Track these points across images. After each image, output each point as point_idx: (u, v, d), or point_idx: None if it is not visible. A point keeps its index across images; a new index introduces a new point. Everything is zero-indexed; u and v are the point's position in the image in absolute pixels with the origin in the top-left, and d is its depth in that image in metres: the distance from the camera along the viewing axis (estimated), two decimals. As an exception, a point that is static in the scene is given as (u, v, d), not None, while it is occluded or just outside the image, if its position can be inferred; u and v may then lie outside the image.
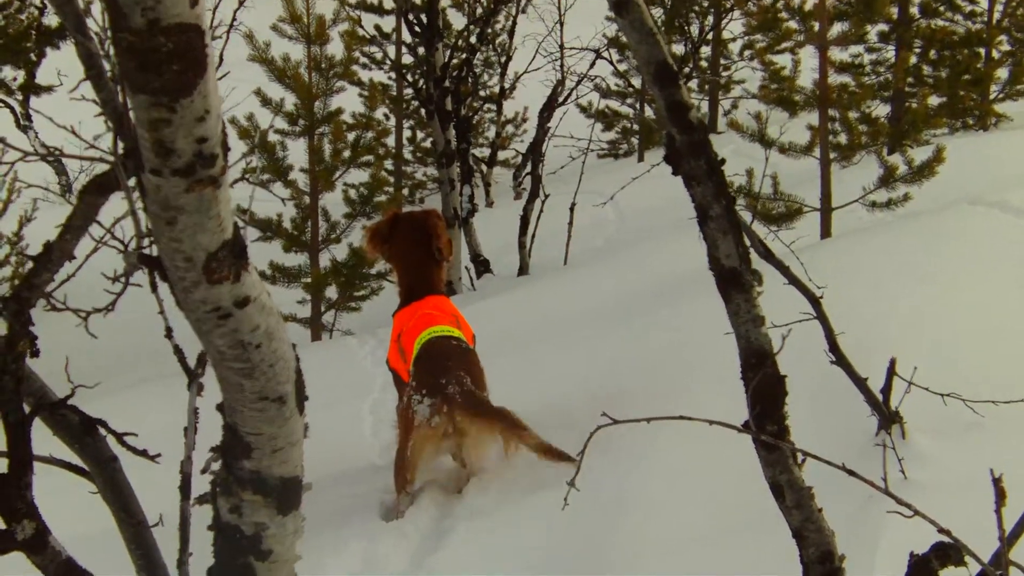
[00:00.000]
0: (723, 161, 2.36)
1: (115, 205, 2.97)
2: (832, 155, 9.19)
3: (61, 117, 5.66)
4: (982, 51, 16.43)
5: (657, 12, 22.59)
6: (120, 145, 2.80)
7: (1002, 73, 16.97)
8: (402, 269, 6.11)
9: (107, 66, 2.89)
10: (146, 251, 2.49)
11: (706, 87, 24.43)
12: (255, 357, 1.88)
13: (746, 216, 8.57)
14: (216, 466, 2.15)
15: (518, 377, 6.66)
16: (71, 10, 2.75)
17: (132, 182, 2.71)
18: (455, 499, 5.30)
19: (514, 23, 20.45)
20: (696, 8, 23.61)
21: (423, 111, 15.73)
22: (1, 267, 16.68)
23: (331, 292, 13.03)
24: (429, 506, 5.24)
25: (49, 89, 13.70)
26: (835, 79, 9.84)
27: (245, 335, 1.84)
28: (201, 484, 2.54)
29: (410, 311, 5.88)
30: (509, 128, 24.27)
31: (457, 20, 21.57)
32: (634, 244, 12.23)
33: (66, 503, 3.26)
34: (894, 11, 14.80)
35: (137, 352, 11.94)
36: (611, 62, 17.42)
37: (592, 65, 15.37)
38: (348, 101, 14.10)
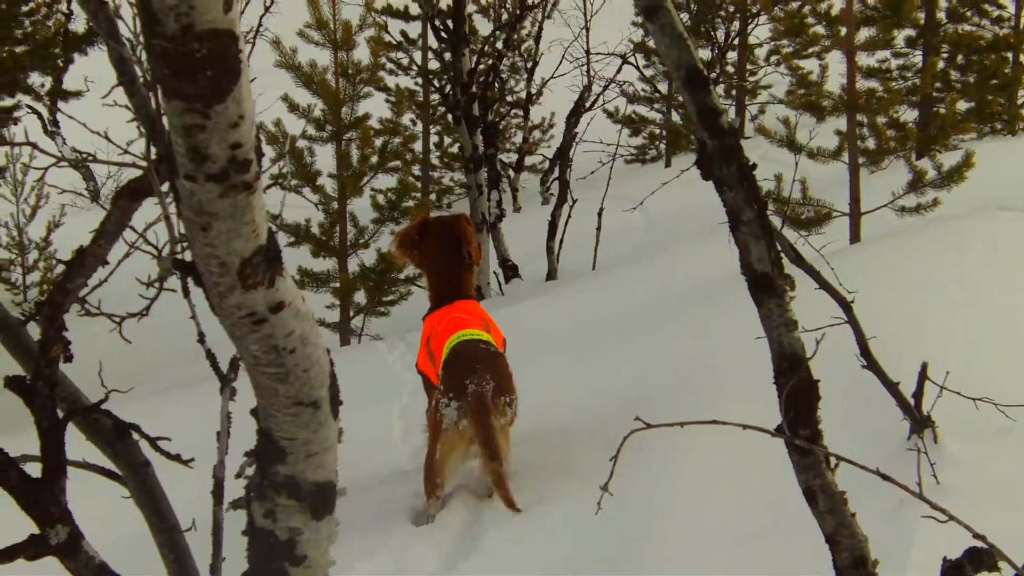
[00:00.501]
0: (754, 166, 2.36)
1: (148, 210, 2.99)
2: (860, 160, 9.16)
3: (88, 123, 5.69)
4: (1010, 56, 16.35)
5: (683, 17, 22.58)
6: (153, 150, 2.81)
7: (1030, 78, 16.92)
8: (432, 274, 6.12)
9: (139, 72, 2.90)
10: (179, 256, 2.50)
11: (733, 92, 24.38)
12: (289, 362, 1.88)
13: (776, 221, 8.56)
14: (250, 471, 2.15)
15: (547, 382, 6.66)
16: (104, 16, 2.76)
17: (165, 187, 2.72)
18: (485, 503, 5.29)
19: (540, 28, 20.46)
20: (722, 13, 23.62)
21: (450, 116, 15.74)
22: (30, 272, 16.78)
23: (359, 297, 13.05)
24: (459, 510, 5.24)
25: (77, 95, 13.74)
26: (863, 84, 9.79)
27: (279, 340, 1.84)
28: (234, 489, 2.55)
29: (440, 315, 5.88)
30: (536, 133, 24.30)
31: (483, 26, 21.63)
32: (662, 249, 12.22)
33: (99, 507, 3.27)
34: (921, 16, 14.73)
35: (170, 356, 11.97)
36: (637, 67, 17.38)
37: (619, 70, 15.36)
38: (375, 107, 14.12)
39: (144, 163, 2.90)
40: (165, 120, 1.59)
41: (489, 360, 5.49)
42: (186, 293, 2.78)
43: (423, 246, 6.08)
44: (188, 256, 1.86)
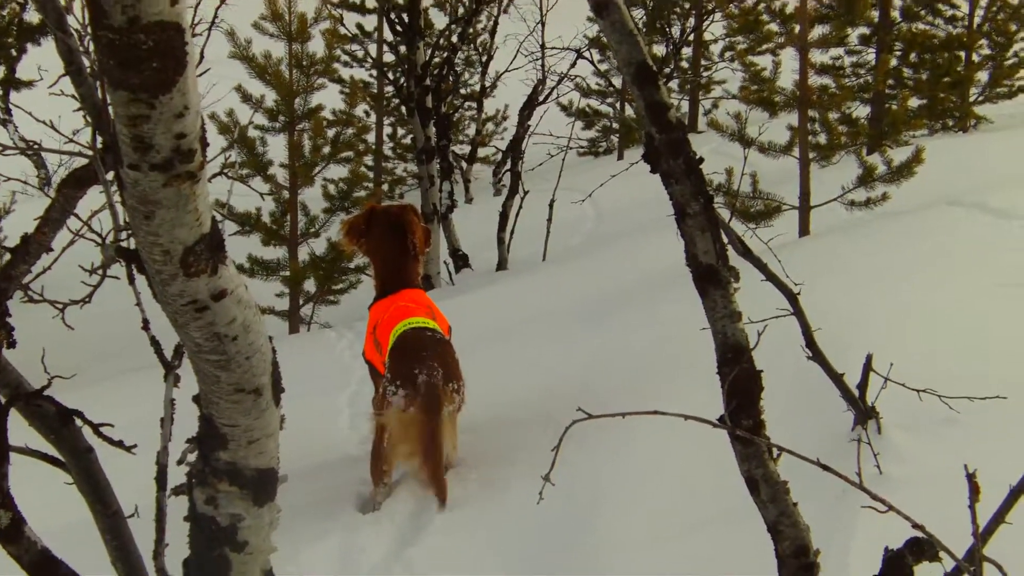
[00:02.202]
0: (701, 160, 2.38)
1: (93, 198, 2.98)
2: (811, 155, 9.21)
3: (41, 112, 5.66)
4: (962, 54, 16.48)
5: (639, 13, 22.65)
6: (99, 140, 2.80)
7: (982, 76, 17.07)
8: (378, 262, 6.18)
9: (87, 62, 2.90)
10: (123, 244, 2.49)
11: (687, 87, 24.45)
12: (231, 349, 1.89)
13: (725, 214, 8.61)
14: (192, 457, 2.15)
15: (496, 372, 6.68)
16: (52, 7, 2.76)
17: (110, 176, 2.71)
18: (432, 492, 5.30)
19: (496, 23, 20.47)
20: (678, 10, 23.67)
21: (403, 108, 15.72)
22: (-21, 259, 16.62)
23: (309, 285, 13.03)
24: (407, 498, 5.24)
25: (29, 84, 13.66)
26: (815, 80, 9.82)
27: (221, 328, 1.85)
28: (177, 475, 2.54)
29: (386, 304, 5.91)
30: (489, 126, 24.31)
31: (439, 19, 21.58)
32: (613, 241, 12.25)
33: (41, 494, 3.26)
34: (875, 14, 14.82)
35: (114, 343, 11.88)
36: (592, 62, 17.39)
37: (573, 65, 15.37)
38: (329, 98, 14.08)
39: (90, 152, 2.89)
40: (111, 110, 1.59)
41: (435, 347, 5.49)
42: (131, 280, 2.78)
43: (370, 234, 6.13)
44: (132, 244, 1.86)
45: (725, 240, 2.46)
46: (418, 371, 5.28)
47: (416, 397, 5.22)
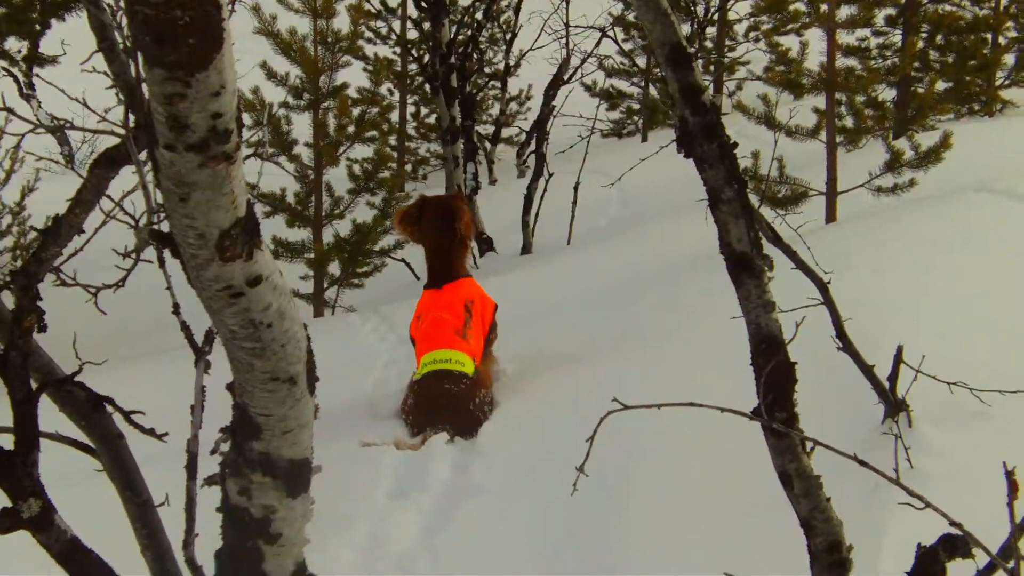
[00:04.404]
0: (735, 144, 2.35)
1: (125, 179, 2.96)
2: (838, 139, 9.16)
3: (64, 87, 5.65)
4: (989, 37, 16.36)
5: (663, -10, 22.52)
6: (132, 118, 2.78)
7: (1008, 59, 16.93)
8: (428, 251, 6.64)
9: (119, 38, 2.87)
10: (157, 227, 2.47)
11: (711, 68, 24.34)
12: (266, 337, 1.87)
13: (754, 200, 8.56)
14: (225, 447, 2.13)
15: (521, 358, 6.68)
16: (84, -19, 2.73)
17: (143, 156, 2.69)
18: (460, 476, 5.30)
19: (520, 0, 20.41)
20: (703, -12, 23.58)
21: (428, 87, 15.68)
22: (3, 237, 16.65)
23: (334, 268, 12.99)
24: (433, 484, 5.23)
25: (53, 60, 13.64)
26: (842, 62, 9.80)
27: (256, 314, 1.83)
28: (208, 463, 2.53)
29: (429, 301, 6.44)
30: (513, 106, 24.26)
31: (463, -4, 21.54)
32: (638, 224, 12.22)
33: (72, 480, 3.25)
34: (902, -6, 14.76)
35: (141, 323, 11.89)
36: (616, 41, 17.31)
37: (597, 44, 15.29)
38: (353, 76, 14.02)
39: (122, 131, 2.87)
40: (145, 88, 1.57)
41: (449, 406, 5.93)
42: (161, 264, 2.76)
43: (422, 223, 6.61)
44: (166, 227, 1.84)
45: (757, 227, 2.43)
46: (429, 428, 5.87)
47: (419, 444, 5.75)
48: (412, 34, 21.41)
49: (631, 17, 21.94)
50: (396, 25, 22.11)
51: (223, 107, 1.58)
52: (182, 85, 1.53)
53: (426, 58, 14.08)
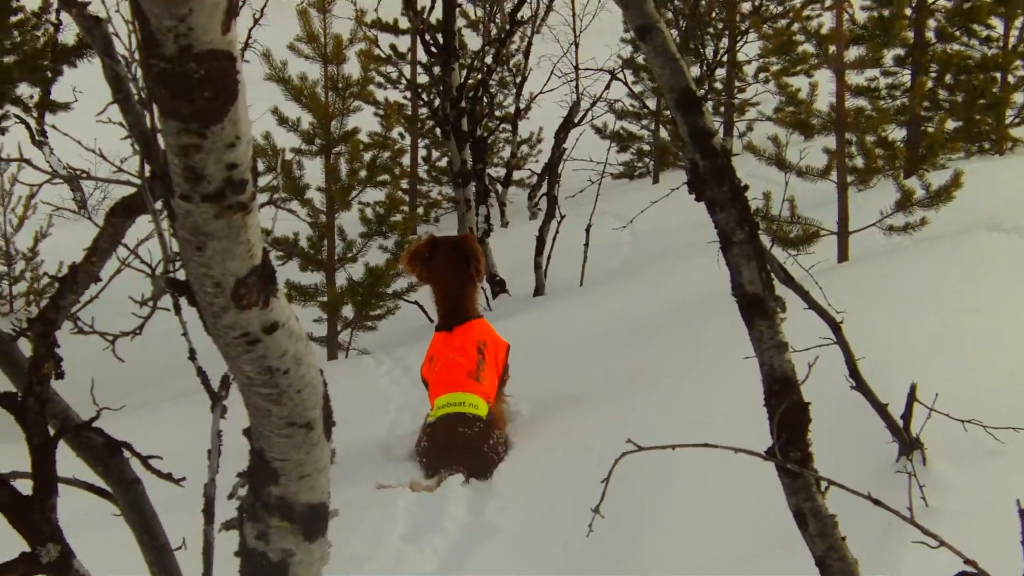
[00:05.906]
0: (746, 187, 2.36)
1: (140, 226, 2.98)
2: (849, 179, 9.16)
3: (75, 133, 5.70)
4: (998, 76, 16.38)
5: (672, 33, 22.59)
6: (147, 168, 2.81)
7: (1018, 98, 16.91)
8: (438, 291, 6.58)
9: (134, 89, 2.90)
10: (173, 275, 2.49)
11: (721, 109, 24.40)
12: (283, 383, 1.88)
13: (765, 240, 8.57)
14: (242, 492, 2.14)
15: (535, 398, 6.68)
16: (99, 33, 2.76)
17: (159, 205, 2.71)
18: (475, 518, 5.30)
19: (529, 44, 20.53)
20: (711, 30, 23.66)
21: (439, 131, 15.73)
22: (17, 283, 16.71)
23: (347, 311, 13.00)
24: (448, 526, 5.24)
25: (65, 106, 13.71)
26: (852, 103, 9.82)
27: (273, 361, 1.84)
28: (226, 508, 2.54)
29: (439, 344, 6.39)
30: (524, 148, 24.30)
31: (473, 40, 21.64)
32: (650, 265, 12.21)
33: (89, 525, 3.25)
34: (910, 35, 14.78)
35: (157, 368, 11.90)
36: (626, 83, 17.38)
37: (607, 86, 15.38)
38: (364, 120, 14.07)
39: (138, 180, 2.90)
40: (160, 138, 1.58)
41: (463, 447, 5.92)
42: (177, 311, 2.77)
43: (432, 262, 6.54)
44: (182, 275, 1.85)
45: (769, 268, 2.45)
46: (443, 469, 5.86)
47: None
48: (423, 78, 21.54)
49: (640, 59, 21.99)
50: (406, 69, 22.19)
51: (238, 158, 1.60)
52: (198, 137, 1.54)
53: (437, 102, 14.12)
